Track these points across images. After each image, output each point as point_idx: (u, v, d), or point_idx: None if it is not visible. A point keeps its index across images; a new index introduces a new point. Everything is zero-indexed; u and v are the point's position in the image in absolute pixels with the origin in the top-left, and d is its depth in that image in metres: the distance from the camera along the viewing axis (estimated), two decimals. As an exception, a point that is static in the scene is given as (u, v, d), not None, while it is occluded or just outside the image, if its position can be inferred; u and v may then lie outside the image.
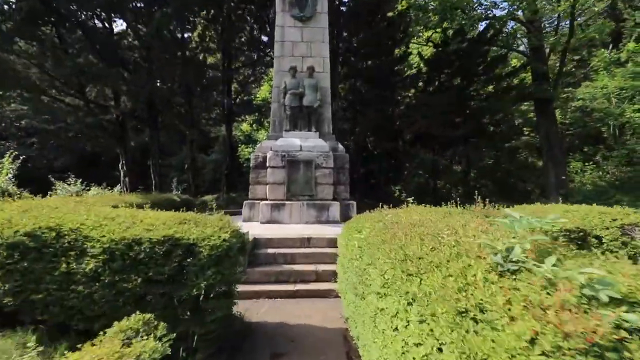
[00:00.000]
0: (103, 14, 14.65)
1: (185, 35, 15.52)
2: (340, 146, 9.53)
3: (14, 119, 17.76)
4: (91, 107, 14.19)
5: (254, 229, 7.39)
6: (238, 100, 17.29)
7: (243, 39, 16.81)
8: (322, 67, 10.02)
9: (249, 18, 15.72)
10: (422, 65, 17.22)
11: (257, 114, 17.55)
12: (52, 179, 15.55)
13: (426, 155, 19.84)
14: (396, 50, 15.95)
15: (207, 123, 16.63)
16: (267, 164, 8.69)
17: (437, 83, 15.40)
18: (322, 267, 5.92)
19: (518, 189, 18.68)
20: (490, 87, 15.62)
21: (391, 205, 4.69)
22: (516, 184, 20.43)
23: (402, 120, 16.28)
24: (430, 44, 15.94)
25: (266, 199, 8.68)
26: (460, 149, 18.81)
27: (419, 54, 17.46)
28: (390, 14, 14.77)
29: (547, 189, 15.25)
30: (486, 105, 14.44)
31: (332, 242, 6.50)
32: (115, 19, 14.91)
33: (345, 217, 8.79)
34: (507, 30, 15.79)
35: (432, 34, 15.67)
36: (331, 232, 7.13)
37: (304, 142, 8.98)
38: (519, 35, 17.42)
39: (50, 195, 14.94)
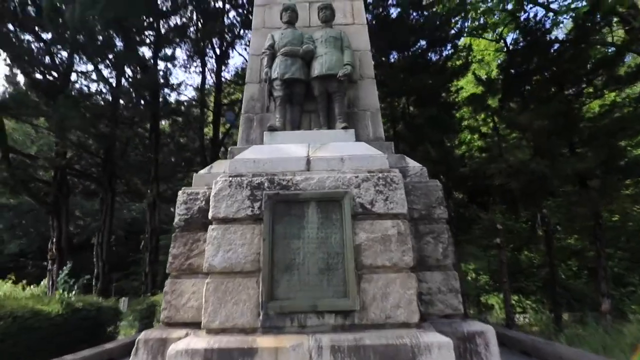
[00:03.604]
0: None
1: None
2: (413, 163, 3.69)
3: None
4: (10, 158, 9.63)
5: None
6: (226, 140, 12.26)
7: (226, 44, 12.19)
8: (352, 15, 4.87)
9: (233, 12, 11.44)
10: (482, 88, 12.14)
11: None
12: None
13: (495, 215, 13.50)
14: (450, 62, 11.15)
15: (181, 174, 11.49)
16: (211, 213, 2.94)
17: (521, 97, 10.03)
18: None
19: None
20: (612, 95, 9.98)
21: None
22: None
23: (471, 156, 10.68)
24: (500, 44, 11.09)
25: (198, 326, 2.73)
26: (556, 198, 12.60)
27: (475, 74, 12.58)
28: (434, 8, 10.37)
29: None
30: (623, 119, 8.64)
31: None
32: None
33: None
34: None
35: (503, 28, 10.89)
36: None
37: (316, 151, 3.29)
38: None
39: None
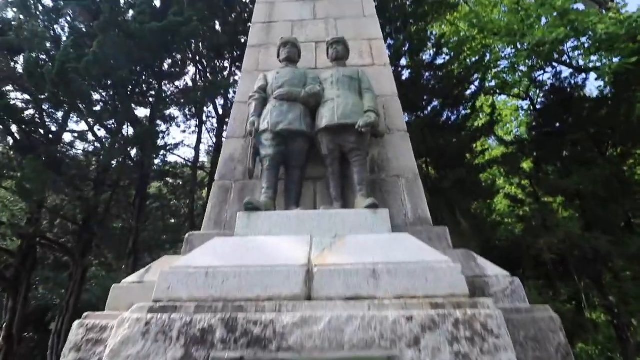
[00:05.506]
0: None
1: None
2: (493, 268, 2.12)
3: None
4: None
5: None
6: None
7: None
8: (371, 55, 3.76)
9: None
10: (504, 149, 11.08)
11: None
12: None
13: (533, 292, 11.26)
14: (469, 122, 10.18)
15: (168, 245, 9.84)
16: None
17: (559, 159, 8.70)
18: None
19: None
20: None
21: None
22: None
23: (492, 224, 9.03)
24: (520, 103, 10.20)
25: None
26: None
27: (495, 135, 11.57)
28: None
29: None
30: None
31: None
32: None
33: None
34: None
35: (529, 85, 10.03)
36: None
37: (325, 254, 1.80)
38: None
39: None
